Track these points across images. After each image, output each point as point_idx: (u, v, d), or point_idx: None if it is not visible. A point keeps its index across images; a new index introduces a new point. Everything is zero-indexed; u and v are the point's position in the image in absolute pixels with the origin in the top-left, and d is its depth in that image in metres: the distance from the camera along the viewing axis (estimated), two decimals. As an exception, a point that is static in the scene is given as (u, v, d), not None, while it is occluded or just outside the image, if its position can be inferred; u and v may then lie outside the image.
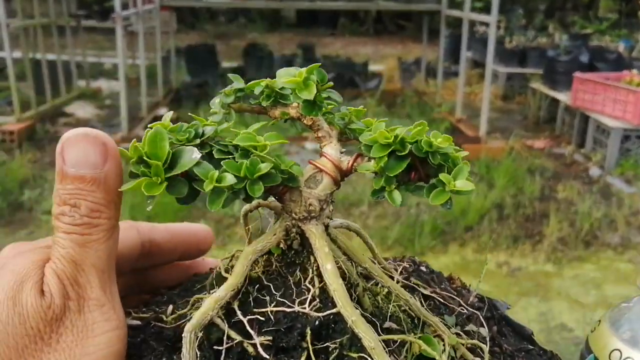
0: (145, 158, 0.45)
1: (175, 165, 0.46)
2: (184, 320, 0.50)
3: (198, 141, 0.47)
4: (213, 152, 0.47)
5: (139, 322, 0.53)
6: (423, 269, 0.65)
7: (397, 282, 0.57)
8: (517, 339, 0.60)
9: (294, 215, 0.49)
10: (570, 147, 6.32)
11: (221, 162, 0.46)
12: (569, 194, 5.23)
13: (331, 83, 0.49)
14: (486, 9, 7.54)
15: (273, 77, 0.52)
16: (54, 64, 7.40)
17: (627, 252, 4.40)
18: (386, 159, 0.46)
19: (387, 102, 7.93)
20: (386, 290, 0.55)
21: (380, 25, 14.92)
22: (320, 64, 0.49)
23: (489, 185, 5.26)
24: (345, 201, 4.93)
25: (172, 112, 0.50)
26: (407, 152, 0.46)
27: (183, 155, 0.46)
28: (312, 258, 0.49)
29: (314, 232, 0.49)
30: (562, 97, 6.83)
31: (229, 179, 0.44)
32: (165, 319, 0.53)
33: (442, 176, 0.45)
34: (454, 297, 0.60)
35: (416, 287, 0.59)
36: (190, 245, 0.66)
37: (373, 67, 9.71)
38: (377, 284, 0.56)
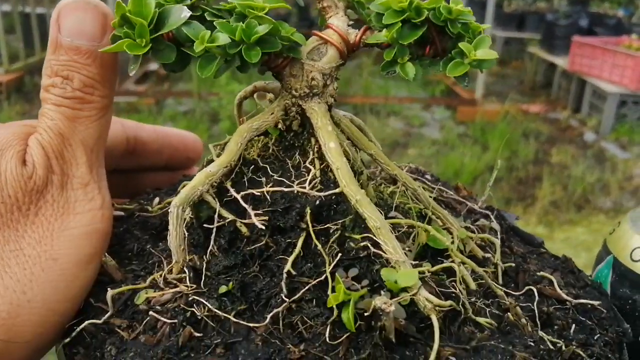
0: (128, 16, 0.40)
1: (163, 26, 0.41)
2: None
3: (188, 2, 0.42)
4: (205, 15, 0.42)
5: (121, 213, 0.49)
6: (428, 177, 0.61)
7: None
8: (527, 247, 0.56)
9: (294, 92, 0.44)
10: (565, 111, 6.27)
11: (214, 24, 0.41)
12: (563, 158, 5.20)
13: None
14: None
15: None
16: (43, 17, 7.20)
17: (618, 216, 4.39)
18: (400, 25, 0.41)
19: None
20: (390, 189, 0.51)
21: (378, -12, 14.65)
22: None
23: (483, 147, 5.22)
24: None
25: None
26: (423, 18, 0.41)
27: (171, 14, 0.41)
28: (312, 140, 0.45)
29: (316, 110, 0.44)
30: (560, 61, 6.74)
31: (222, 39, 0.40)
32: (150, 209, 0.49)
33: (462, 45, 0.41)
34: (462, 202, 0.56)
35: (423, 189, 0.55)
36: (178, 151, 0.62)
37: (369, 29, 9.55)
38: (380, 184, 0.52)
